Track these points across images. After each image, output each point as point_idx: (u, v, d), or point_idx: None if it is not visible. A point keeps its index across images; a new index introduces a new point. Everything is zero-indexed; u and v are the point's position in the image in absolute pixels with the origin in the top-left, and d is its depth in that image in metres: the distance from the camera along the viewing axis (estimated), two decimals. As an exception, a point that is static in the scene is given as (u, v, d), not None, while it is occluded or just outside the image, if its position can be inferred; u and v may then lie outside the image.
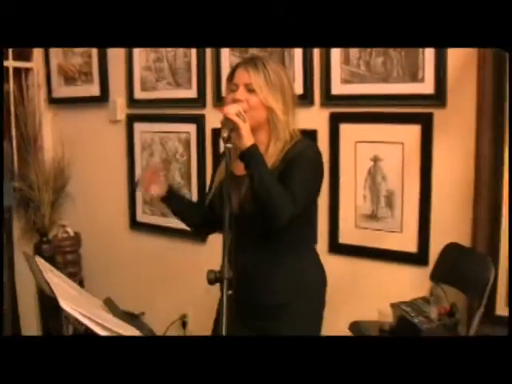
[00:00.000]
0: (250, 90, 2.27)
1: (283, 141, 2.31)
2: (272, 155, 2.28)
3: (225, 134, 2.07)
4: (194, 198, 3.67)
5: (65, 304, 1.78)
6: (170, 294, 3.82)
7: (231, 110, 2.15)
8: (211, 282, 1.83)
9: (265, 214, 2.17)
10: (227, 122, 2.14)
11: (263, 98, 2.26)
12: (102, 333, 1.78)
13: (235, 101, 2.25)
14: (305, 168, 2.29)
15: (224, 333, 1.69)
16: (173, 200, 2.55)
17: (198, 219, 2.59)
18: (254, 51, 3.30)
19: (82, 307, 1.82)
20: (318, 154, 2.39)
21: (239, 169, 2.28)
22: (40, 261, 2.27)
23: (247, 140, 2.14)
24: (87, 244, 4.24)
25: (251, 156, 2.15)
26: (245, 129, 2.14)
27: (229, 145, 2.06)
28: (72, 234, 4.21)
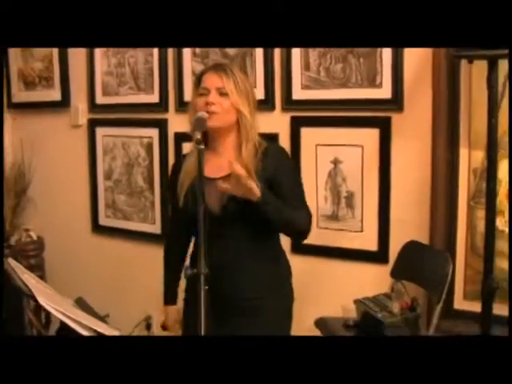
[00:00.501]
0: (222, 93, 2.31)
1: (253, 142, 2.36)
2: (247, 157, 2.33)
3: (198, 135, 2.06)
4: (157, 201, 3.68)
5: (45, 303, 1.79)
6: (134, 297, 3.80)
7: (239, 170, 2.17)
8: (189, 277, 1.93)
9: (291, 233, 2.50)
10: (199, 123, 2.15)
11: (234, 101, 2.32)
12: (83, 332, 1.79)
13: (208, 104, 2.28)
14: (294, 173, 2.53)
15: (203, 328, 1.74)
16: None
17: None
18: (215, 57, 3.36)
19: (60, 306, 1.82)
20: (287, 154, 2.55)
21: (211, 171, 2.30)
22: (14, 263, 2.26)
23: (257, 191, 2.19)
24: (50, 248, 4.18)
25: (266, 203, 2.23)
26: (251, 182, 2.19)
27: (201, 146, 2.05)
28: (35, 238, 4.16)
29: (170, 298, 2.60)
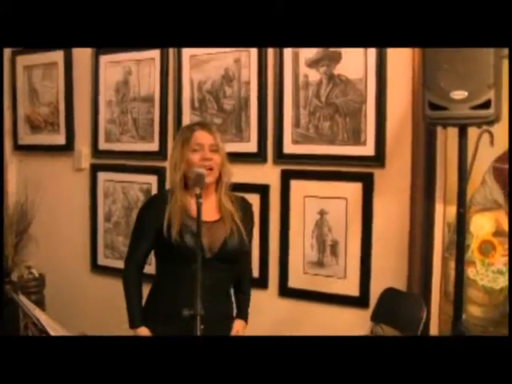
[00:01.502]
0: (214, 150, 2.60)
1: (227, 193, 2.68)
2: (228, 205, 2.64)
3: (197, 191, 2.31)
4: None
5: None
6: (131, 334, 3.96)
7: None
8: (185, 318, 2.10)
9: None
10: (199, 179, 2.40)
11: (222, 157, 2.63)
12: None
13: (206, 159, 2.56)
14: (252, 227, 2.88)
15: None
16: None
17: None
18: (212, 111, 3.59)
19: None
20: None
21: (204, 215, 2.50)
22: (25, 300, 2.48)
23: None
24: (51, 285, 4.34)
25: None
26: None
27: (200, 200, 2.30)
28: (37, 275, 4.33)
29: (138, 318, 2.69)
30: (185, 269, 2.48)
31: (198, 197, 2.30)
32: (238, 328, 2.74)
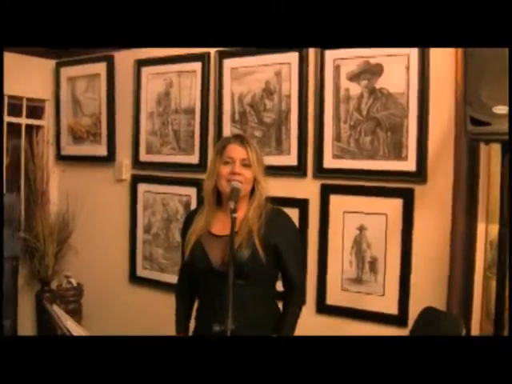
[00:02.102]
0: (246, 165, 2.56)
1: (260, 207, 2.61)
2: (252, 219, 2.56)
3: (232, 205, 2.36)
4: None
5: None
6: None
7: None
8: (216, 333, 2.11)
9: None
10: (234, 193, 2.45)
11: (255, 172, 2.58)
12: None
13: (235, 173, 2.53)
14: (296, 239, 2.76)
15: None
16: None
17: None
18: (253, 124, 3.61)
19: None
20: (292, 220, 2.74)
21: (219, 229, 2.57)
22: (58, 310, 2.51)
23: None
24: (88, 295, 4.43)
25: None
26: None
27: (234, 215, 2.34)
28: (75, 284, 4.42)
29: (179, 324, 2.76)
30: (205, 283, 2.56)
31: (232, 211, 2.33)
32: None
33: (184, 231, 2.72)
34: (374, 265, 3.27)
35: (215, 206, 2.65)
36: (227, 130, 3.75)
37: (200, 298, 2.68)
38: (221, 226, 2.57)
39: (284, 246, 2.58)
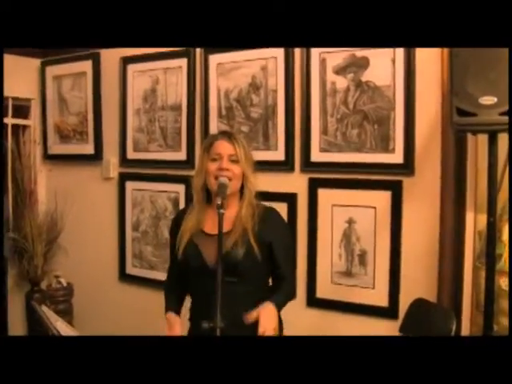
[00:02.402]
0: (234, 160, 2.56)
1: (252, 204, 2.61)
2: (245, 217, 2.56)
3: (219, 201, 2.35)
4: None
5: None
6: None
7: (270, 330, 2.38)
8: (205, 331, 2.11)
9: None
10: (221, 189, 2.44)
11: (243, 167, 2.57)
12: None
13: (222, 169, 2.52)
14: (288, 236, 2.79)
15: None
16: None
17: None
18: (240, 119, 3.61)
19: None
20: (283, 219, 2.79)
21: (211, 227, 2.56)
22: (47, 311, 2.50)
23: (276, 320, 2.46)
24: (79, 294, 4.43)
25: (280, 307, 2.54)
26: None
27: (222, 210, 2.33)
28: (65, 284, 4.41)
29: (168, 304, 2.70)
30: (199, 282, 2.55)
31: (219, 207, 2.32)
32: (262, 311, 2.38)
33: (174, 230, 2.72)
34: (363, 258, 3.28)
35: (205, 204, 2.65)
36: (214, 125, 3.75)
37: (193, 297, 2.67)
38: (212, 225, 2.55)
39: (277, 243, 2.59)
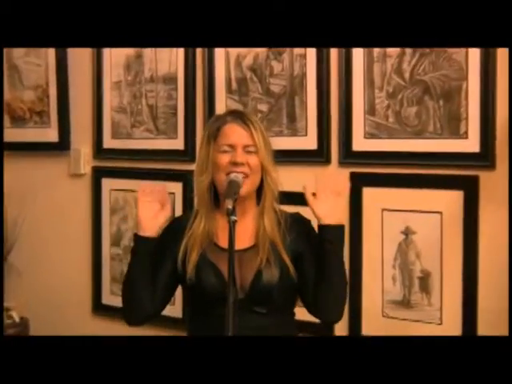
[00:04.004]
0: (250, 151, 2.61)
1: (275, 209, 2.68)
2: (271, 227, 2.63)
3: (229, 205, 2.37)
4: None
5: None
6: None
7: None
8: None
9: (334, 304, 2.64)
10: (232, 189, 2.48)
11: (262, 159, 2.62)
12: None
13: (237, 164, 2.57)
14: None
15: None
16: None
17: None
18: (256, 95, 3.67)
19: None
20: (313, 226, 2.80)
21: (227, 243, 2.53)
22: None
23: (342, 216, 2.57)
24: (37, 333, 4.40)
25: (339, 238, 2.60)
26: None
27: (234, 217, 2.35)
28: (17, 319, 4.45)
29: None
30: (213, 316, 2.55)
31: (230, 212, 2.35)
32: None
33: (170, 239, 2.72)
34: (425, 282, 3.29)
35: (214, 210, 2.70)
36: (221, 103, 3.79)
37: (203, 331, 2.66)
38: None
39: (309, 253, 2.63)
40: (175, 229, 2.76)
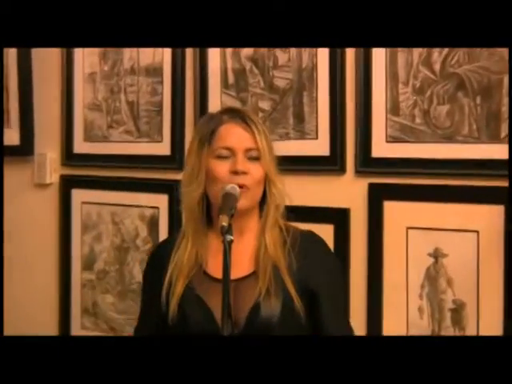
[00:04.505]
0: (252, 157, 2.56)
1: (278, 225, 2.62)
2: (274, 248, 2.57)
3: (224, 221, 2.25)
4: None
5: None
6: None
7: None
8: None
9: None
10: (228, 202, 2.37)
11: (266, 166, 2.57)
12: None
13: (238, 173, 2.50)
14: (338, 280, 2.78)
15: None
16: None
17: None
18: (257, 90, 3.60)
19: None
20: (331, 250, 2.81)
21: (220, 271, 2.41)
22: None
23: None
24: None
25: None
26: None
27: (229, 237, 2.24)
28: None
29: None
30: None
31: (226, 231, 2.24)
32: None
33: (154, 273, 2.71)
34: (459, 314, 3.22)
35: (204, 229, 2.63)
36: (215, 100, 3.74)
37: None
38: (222, 262, 2.46)
39: (324, 291, 2.57)
40: (158, 258, 2.73)
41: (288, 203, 2.65)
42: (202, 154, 2.59)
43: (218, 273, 2.44)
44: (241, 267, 2.54)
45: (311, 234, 2.66)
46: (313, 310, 2.55)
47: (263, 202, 2.64)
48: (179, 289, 2.55)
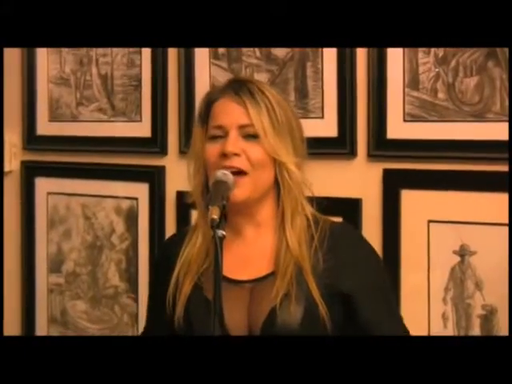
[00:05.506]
0: (249, 135, 2.55)
1: (302, 216, 2.62)
2: (295, 246, 2.56)
3: (214, 214, 2.28)
4: (143, 312, 3.85)
5: None
6: None
7: None
8: None
9: None
10: (218, 191, 2.41)
11: (269, 146, 2.54)
12: None
13: (227, 155, 2.50)
14: (379, 274, 2.75)
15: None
16: None
17: None
18: (252, 60, 3.68)
19: None
20: (370, 245, 2.77)
21: (234, 268, 2.54)
22: None
23: None
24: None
25: None
26: None
27: (220, 232, 2.27)
28: None
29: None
30: None
31: (215, 225, 2.27)
32: None
33: (162, 271, 2.75)
34: (489, 321, 3.27)
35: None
36: (204, 72, 3.81)
37: None
38: (238, 262, 2.57)
39: (362, 292, 2.59)
40: (166, 257, 2.77)
41: (307, 193, 2.66)
42: (198, 136, 2.64)
43: (227, 271, 2.45)
44: (259, 266, 2.57)
45: (344, 226, 2.72)
46: (352, 317, 2.58)
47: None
48: (186, 290, 2.59)
